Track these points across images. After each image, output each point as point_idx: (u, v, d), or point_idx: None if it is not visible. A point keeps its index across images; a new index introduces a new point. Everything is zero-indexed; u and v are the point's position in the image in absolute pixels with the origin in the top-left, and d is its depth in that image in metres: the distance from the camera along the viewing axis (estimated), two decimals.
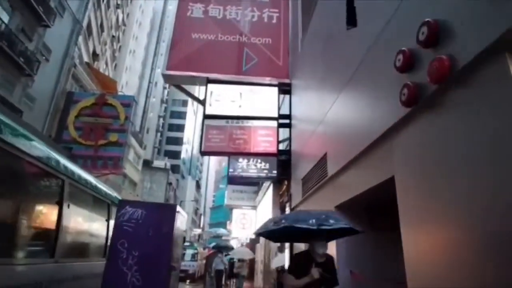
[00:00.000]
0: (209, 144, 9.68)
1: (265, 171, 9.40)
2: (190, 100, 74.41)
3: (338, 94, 5.20)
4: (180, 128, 69.97)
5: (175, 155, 65.35)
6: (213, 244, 18.36)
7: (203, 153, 9.76)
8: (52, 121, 17.93)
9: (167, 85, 66.58)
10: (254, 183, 18.00)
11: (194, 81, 10.68)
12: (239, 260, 13.69)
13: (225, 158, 19.37)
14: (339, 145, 5.17)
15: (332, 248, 5.11)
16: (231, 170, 9.39)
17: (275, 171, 9.39)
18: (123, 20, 39.52)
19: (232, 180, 10.67)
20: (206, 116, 10.01)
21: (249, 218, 17.75)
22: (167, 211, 6.01)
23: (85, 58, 24.57)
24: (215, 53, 10.71)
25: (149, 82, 58.02)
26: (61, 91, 18.54)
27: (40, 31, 16.61)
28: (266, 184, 12.33)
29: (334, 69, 5.78)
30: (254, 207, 17.58)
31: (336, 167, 5.23)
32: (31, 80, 15.88)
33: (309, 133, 7.23)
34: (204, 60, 10.55)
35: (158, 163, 54.69)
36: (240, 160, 9.45)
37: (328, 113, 5.76)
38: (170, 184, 54.32)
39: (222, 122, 9.95)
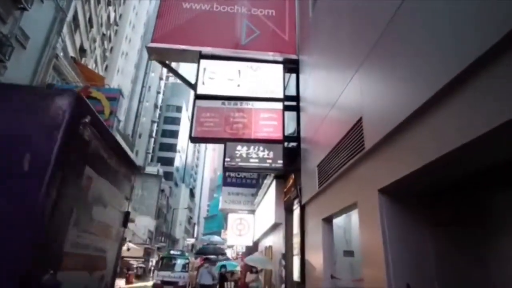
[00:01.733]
0: (201, 128, 8.04)
1: (269, 160, 7.74)
2: (184, 106, 72.85)
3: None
4: (174, 134, 68.20)
5: (169, 161, 63.42)
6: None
7: (193, 139, 8.10)
8: None
9: (160, 90, 65.13)
10: (252, 184, 16.29)
11: (184, 56, 9.09)
12: (253, 271, 10.83)
13: (220, 167, 17.65)
14: (388, 99, 3.54)
15: (378, 252, 3.48)
16: (227, 159, 7.71)
17: (280, 161, 7.75)
18: (115, 19, 38.08)
19: (228, 171, 8.89)
20: (197, 96, 8.39)
21: (246, 224, 15.96)
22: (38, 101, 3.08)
23: (71, 53, 22.94)
24: (209, 24, 9.15)
25: (143, 86, 56.47)
26: (39, 83, 16.81)
27: (16, 14, 14.98)
28: (267, 181, 10.65)
29: (356, 35, 4.21)
30: (252, 212, 15.83)
31: (381, 133, 3.60)
32: (2, 67, 14.17)
33: (328, 108, 5.63)
34: (197, 32, 8.99)
35: (150, 169, 52.71)
36: (239, 147, 7.79)
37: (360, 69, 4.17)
38: (163, 191, 52.30)
39: (217, 104, 8.34)
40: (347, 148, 4.53)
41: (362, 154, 4.05)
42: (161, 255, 23.43)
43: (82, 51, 26.04)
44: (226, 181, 16.46)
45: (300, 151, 8.05)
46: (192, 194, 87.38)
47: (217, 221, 68.19)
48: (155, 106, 61.08)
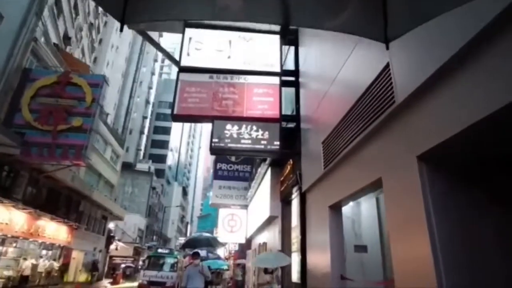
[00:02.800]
0: (184, 105, 6.91)
1: (263, 142, 6.64)
2: None
3: None
4: (166, 131, 66.68)
5: (161, 159, 61.97)
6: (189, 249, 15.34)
7: (175, 117, 6.97)
8: (2, 101, 14.84)
9: (152, 85, 63.64)
10: (245, 177, 15.19)
11: (167, 25, 7.93)
12: (268, 271, 7.72)
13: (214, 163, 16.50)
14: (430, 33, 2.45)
15: (423, 239, 2.42)
16: (215, 140, 6.60)
17: (277, 143, 6.65)
18: None
19: (216, 153, 7.70)
20: (181, 69, 7.25)
21: (239, 219, 14.86)
22: None
23: (54, 39, 21.56)
24: None
25: (134, 81, 54.92)
26: (15, 68, 15.49)
27: None
28: (261, 170, 9.55)
29: None
30: (245, 207, 14.73)
31: (418, 80, 2.54)
32: None
33: (336, 70, 4.56)
34: None
35: (141, 166, 51.30)
36: (229, 126, 6.68)
37: None
38: (154, 188, 50.88)
39: (204, 77, 7.22)
40: (367, 110, 3.44)
41: (392, 112, 2.97)
42: (145, 254, 22.20)
43: (66, 38, 24.64)
44: (217, 174, 15.35)
45: (299, 133, 6.98)
46: (185, 193, 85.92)
47: (210, 220, 66.84)
48: (147, 101, 59.51)
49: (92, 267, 25.78)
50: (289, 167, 7.48)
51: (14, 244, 16.42)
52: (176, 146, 78.23)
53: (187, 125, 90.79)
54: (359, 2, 1.47)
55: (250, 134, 6.66)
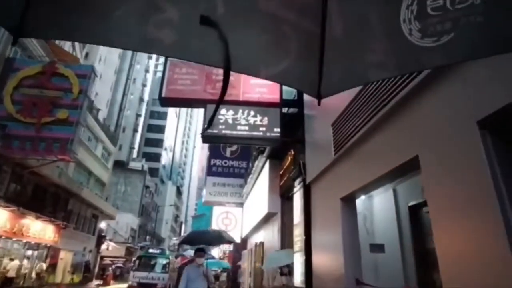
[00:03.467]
0: (173, 87, 6.16)
1: (262, 128, 5.92)
2: None
3: None
4: (161, 129, 65.66)
5: (154, 157, 60.93)
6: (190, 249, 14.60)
7: (164, 100, 6.22)
8: None
9: (146, 83, 62.63)
10: (241, 174, 14.45)
11: None
12: (284, 272, 6.35)
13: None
14: None
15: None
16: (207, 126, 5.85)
17: (277, 129, 5.94)
18: None
19: (208, 141, 6.85)
20: None
21: (234, 218, 14.12)
22: None
23: None
24: None
25: (127, 78, 53.90)
26: None
27: None
28: (259, 163, 8.81)
29: None
30: (240, 205, 13.99)
31: None
32: None
33: None
34: None
35: (134, 164, 50.30)
36: (223, 111, 5.94)
37: None
38: (147, 187, 49.88)
39: None
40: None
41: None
42: (138, 254, 21.35)
43: None
44: (211, 171, 14.58)
45: (302, 119, 6.25)
46: (179, 192, 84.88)
47: (205, 220, 65.97)
48: (141, 99, 58.46)
49: (84, 268, 24.89)
50: (289, 158, 6.76)
51: None
52: (171, 145, 77.26)
53: (181, 123, 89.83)
54: (296, 59, 1.49)
55: (247, 120, 5.94)
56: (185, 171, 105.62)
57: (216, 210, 14.38)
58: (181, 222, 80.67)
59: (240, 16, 1.41)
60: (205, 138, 5.94)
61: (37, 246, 18.89)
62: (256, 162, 8.76)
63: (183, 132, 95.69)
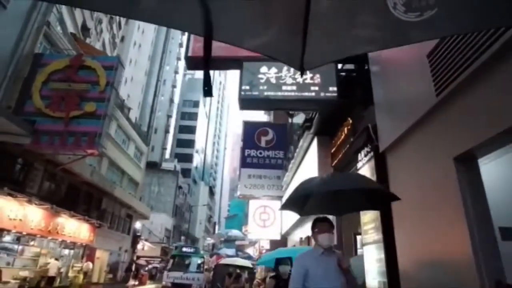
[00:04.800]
0: (201, 44, 4.97)
1: (314, 88, 4.62)
2: (201, 101, 70.55)
3: None
4: (192, 130, 65.87)
5: (186, 158, 61.13)
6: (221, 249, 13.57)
7: (190, 60, 5.09)
8: (11, 88, 13.70)
9: (176, 84, 63.06)
10: (278, 165, 13.20)
11: None
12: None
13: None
14: None
15: None
16: (245, 87, 4.64)
17: (333, 88, 4.61)
18: None
19: (246, 107, 5.53)
20: None
21: (272, 213, 12.87)
22: None
23: (71, 28, 20.58)
24: None
25: (158, 80, 54.45)
26: (25, 53, 14.35)
27: None
28: (303, 143, 7.46)
29: None
30: (279, 198, 12.73)
31: None
32: None
33: None
34: None
35: (167, 165, 50.53)
36: (264, 69, 4.70)
37: None
38: (180, 188, 49.91)
39: None
40: None
41: None
42: (172, 253, 20.66)
43: (85, 29, 23.72)
44: (246, 162, 13.46)
45: (361, 78, 4.89)
46: (211, 193, 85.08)
47: (237, 220, 65.56)
48: (171, 100, 58.83)
49: (127, 268, 24.79)
50: (346, 129, 5.40)
51: (32, 243, 15.33)
52: (202, 147, 77.57)
53: (212, 125, 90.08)
54: (280, 31, 1.45)
55: (294, 79, 4.66)
56: (217, 172, 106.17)
57: (253, 205, 13.20)
58: (215, 223, 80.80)
59: None
60: (244, 102, 4.74)
61: (73, 245, 18.70)
62: (301, 142, 7.41)
63: (213, 133, 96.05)
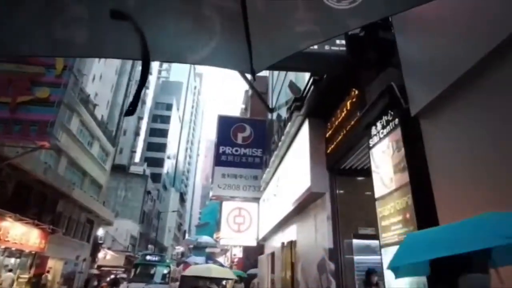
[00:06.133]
0: None
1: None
2: (175, 105, 68.40)
3: None
4: (164, 133, 63.42)
5: (157, 162, 58.51)
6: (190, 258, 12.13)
7: None
8: None
9: (149, 85, 60.81)
10: (255, 164, 12.02)
11: None
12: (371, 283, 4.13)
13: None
14: None
15: None
16: None
17: (341, 42, 3.51)
18: None
19: None
20: None
21: (248, 215, 11.61)
22: None
23: None
24: None
25: (129, 79, 52.02)
26: None
27: None
28: (291, 128, 6.30)
29: None
30: (256, 200, 11.53)
31: None
32: None
33: None
34: None
35: (136, 169, 47.93)
36: None
37: None
38: (149, 193, 47.36)
39: None
40: None
41: None
42: (135, 262, 18.77)
43: None
44: (220, 160, 12.18)
45: (375, 39, 3.83)
46: (182, 199, 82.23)
47: (209, 229, 63.31)
48: (143, 101, 56.32)
49: (85, 284, 22.24)
50: (348, 104, 4.34)
51: None
52: (174, 152, 75.10)
53: (185, 130, 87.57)
54: (223, 39, 1.42)
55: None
56: (188, 179, 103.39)
57: (227, 207, 11.88)
58: (185, 231, 77.84)
59: (153, 4, 1.33)
60: None
61: (19, 253, 16.42)
62: (287, 128, 6.24)
63: (187, 138, 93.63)
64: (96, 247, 27.60)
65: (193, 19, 1.38)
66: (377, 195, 3.37)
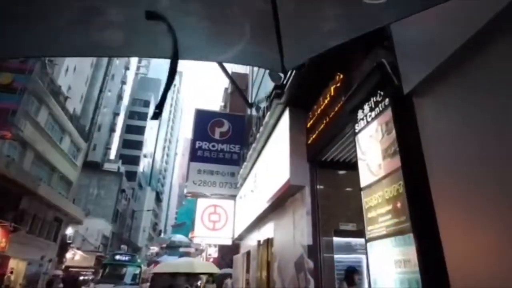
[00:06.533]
0: None
1: None
2: (153, 101, 66.81)
3: None
4: (141, 130, 61.73)
5: (133, 160, 56.82)
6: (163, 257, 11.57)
7: None
8: None
9: (126, 80, 59.03)
10: (233, 160, 11.63)
11: None
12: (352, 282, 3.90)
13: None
14: None
15: None
16: None
17: None
18: None
19: None
20: None
21: (223, 213, 11.18)
22: None
23: None
24: None
25: (105, 74, 50.28)
26: None
27: None
28: (270, 118, 5.95)
29: None
30: (232, 197, 11.13)
31: None
32: None
33: None
34: None
35: (110, 166, 46.29)
36: None
37: None
38: (123, 191, 45.83)
39: None
40: None
41: None
42: (103, 261, 17.87)
43: None
44: (196, 155, 11.69)
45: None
46: (158, 199, 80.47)
47: (186, 229, 62.13)
48: (119, 97, 54.56)
49: (47, 286, 20.89)
50: (332, 90, 4.03)
51: None
52: (151, 151, 73.40)
53: (163, 129, 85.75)
54: (252, 40, 1.42)
55: None
56: (165, 178, 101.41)
57: (201, 204, 11.39)
58: (160, 231, 76.11)
59: (185, 5, 1.35)
60: None
61: None
62: (266, 118, 5.88)
63: (164, 137, 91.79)
64: (64, 247, 26.24)
65: (224, 19, 1.39)
66: (362, 184, 3.06)
